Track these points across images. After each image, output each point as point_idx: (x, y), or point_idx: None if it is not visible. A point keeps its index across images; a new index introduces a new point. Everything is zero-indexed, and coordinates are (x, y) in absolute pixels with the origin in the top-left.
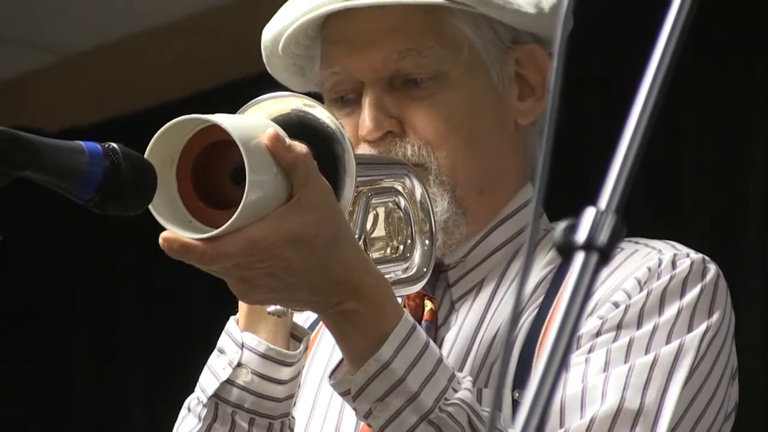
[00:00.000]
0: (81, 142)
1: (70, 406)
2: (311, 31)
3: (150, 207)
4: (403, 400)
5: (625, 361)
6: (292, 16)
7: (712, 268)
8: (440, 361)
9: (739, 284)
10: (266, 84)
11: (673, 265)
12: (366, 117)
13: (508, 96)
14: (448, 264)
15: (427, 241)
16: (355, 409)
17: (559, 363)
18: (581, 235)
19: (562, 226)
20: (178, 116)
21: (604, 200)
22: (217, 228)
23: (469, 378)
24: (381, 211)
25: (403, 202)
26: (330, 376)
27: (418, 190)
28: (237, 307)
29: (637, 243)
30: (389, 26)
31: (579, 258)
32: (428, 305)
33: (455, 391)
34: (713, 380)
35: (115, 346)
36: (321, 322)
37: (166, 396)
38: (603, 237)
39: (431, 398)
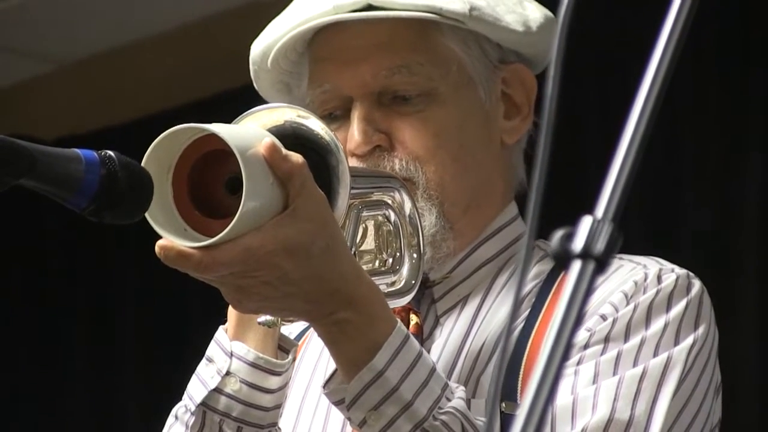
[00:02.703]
0: (78, 150)
1: (69, 409)
2: (299, 46)
3: (146, 214)
4: (398, 409)
5: (614, 374)
6: (283, 29)
7: (697, 284)
8: (433, 370)
9: (737, 295)
10: None
11: (659, 279)
12: (355, 131)
13: (495, 114)
14: (433, 280)
15: (415, 255)
16: (349, 419)
17: (556, 372)
18: (578, 244)
19: (558, 234)
20: (175, 125)
21: (600, 209)
22: (213, 237)
23: (463, 388)
24: (371, 224)
25: (392, 216)
26: (324, 386)
27: (408, 205)
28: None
29: (621, 258)
30: (378, 42)
31: (576, 267)
32: (414, 319)
33: (448, 399)
34: (699, 393)
35: (114, 349)
36: (306, 333)
37: (162, 400)
38: (600, 246)
39: (425, 407)
